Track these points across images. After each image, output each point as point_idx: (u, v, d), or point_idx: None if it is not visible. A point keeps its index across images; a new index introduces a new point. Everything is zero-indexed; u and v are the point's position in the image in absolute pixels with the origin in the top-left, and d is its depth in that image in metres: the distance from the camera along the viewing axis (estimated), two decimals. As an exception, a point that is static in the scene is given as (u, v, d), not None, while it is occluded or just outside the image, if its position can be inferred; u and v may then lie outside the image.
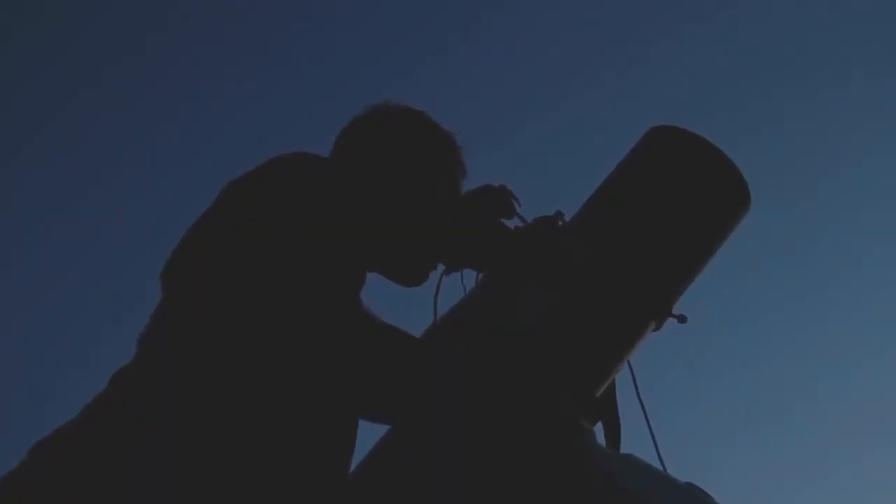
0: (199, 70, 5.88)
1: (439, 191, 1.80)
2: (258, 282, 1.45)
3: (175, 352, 1.46)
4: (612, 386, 1.78)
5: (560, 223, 1.80)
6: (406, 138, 1.81)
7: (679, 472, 1.64)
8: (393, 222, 1.70)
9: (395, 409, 1.57)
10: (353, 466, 1.58)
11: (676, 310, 1.78)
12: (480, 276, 1.86)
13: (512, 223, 1.86)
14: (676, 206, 1.77)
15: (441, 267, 1.85)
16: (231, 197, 1.55)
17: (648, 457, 1.70)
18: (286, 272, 1.45)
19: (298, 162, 1.56)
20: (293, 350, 1.44)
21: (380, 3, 5.81)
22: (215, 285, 1.47)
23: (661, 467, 1.70)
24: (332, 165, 1.65)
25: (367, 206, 1.61)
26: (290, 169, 1.54)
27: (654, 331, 1.78)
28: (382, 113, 1.85)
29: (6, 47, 5.49)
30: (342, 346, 1.46)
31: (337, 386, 1.48)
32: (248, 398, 1.42)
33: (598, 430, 1.76)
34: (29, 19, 5.53)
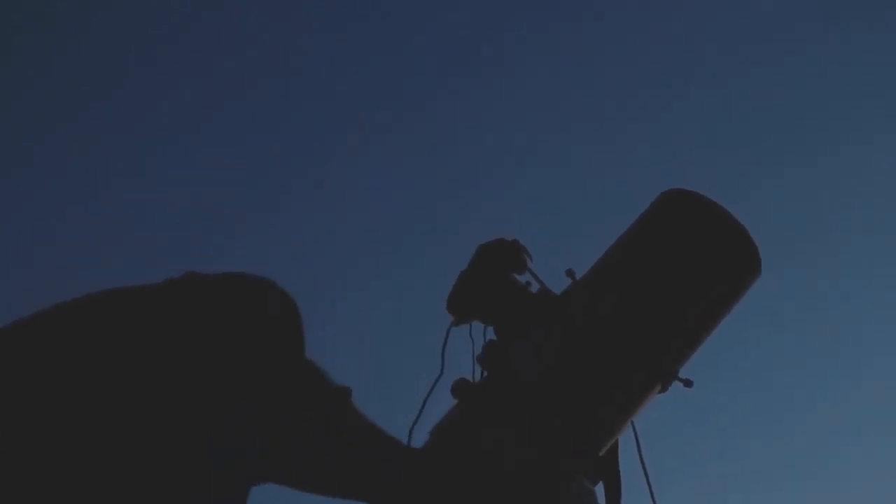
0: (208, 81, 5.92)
1: None
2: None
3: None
4: (616, 446, 1.78)
5: (571, 281, 1.81)
6: None
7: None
8: None
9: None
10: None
11: (683, 373, 1.78)
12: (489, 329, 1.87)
13: (524, 278, 1.87)
14: (686, 269, 1.79)
15: (450, 319, 1.87)
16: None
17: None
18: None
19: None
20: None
21: (388, 51, 5.87)
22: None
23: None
24: None
25: None
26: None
27: (659, 393, 1.78)
28: None
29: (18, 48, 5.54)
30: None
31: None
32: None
33: (599, 489, 1.76)
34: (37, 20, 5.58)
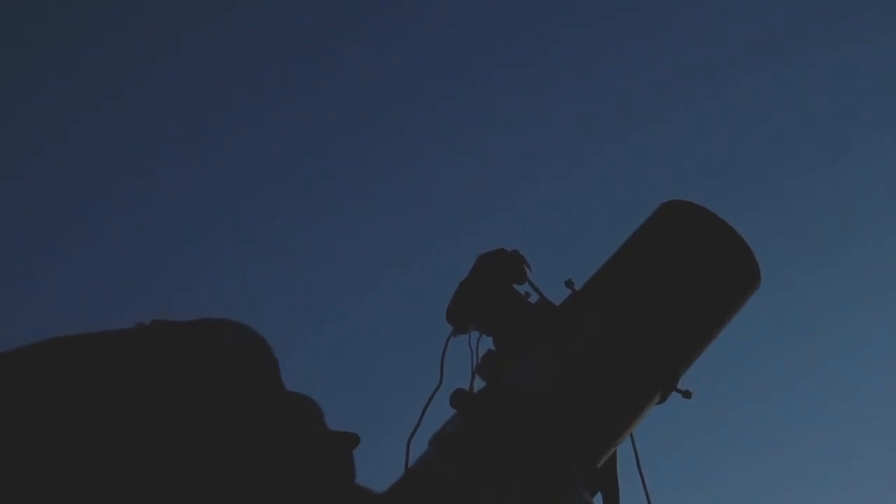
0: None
1: None
2: None
3: None
4: (614, 457, 1.78)
5: (571, 291, 1.81)
6: None
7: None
8: None
9: None
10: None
11: (681, 384, 1.79)
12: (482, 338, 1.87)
13: (523, 288, 1.87)
14: (686, 281, 1.79)
15: (449, 328, 1.87)
16: None
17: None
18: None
19: None
20: None
21: (394, 70, 5.87)
22: None
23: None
24: None
25: None
26: None
27: (658, 404, 1.79)
28: None
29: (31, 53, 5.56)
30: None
31: None
32: None
33: (598, 500, 1.76)
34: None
